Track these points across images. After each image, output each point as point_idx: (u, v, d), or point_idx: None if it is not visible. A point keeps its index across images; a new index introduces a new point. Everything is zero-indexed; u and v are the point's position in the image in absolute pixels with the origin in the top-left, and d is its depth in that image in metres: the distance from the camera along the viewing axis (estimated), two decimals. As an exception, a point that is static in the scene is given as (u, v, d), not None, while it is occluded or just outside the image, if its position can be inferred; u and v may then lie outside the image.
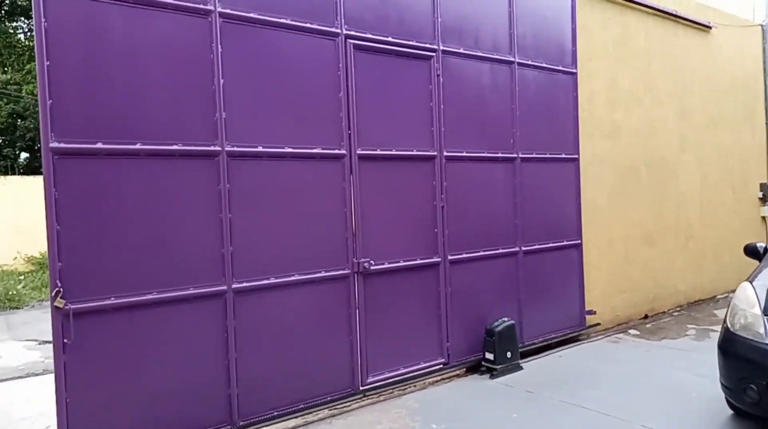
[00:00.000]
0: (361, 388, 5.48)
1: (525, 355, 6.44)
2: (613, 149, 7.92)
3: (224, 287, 4.72)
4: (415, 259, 5.86)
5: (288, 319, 5.08)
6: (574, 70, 7.17)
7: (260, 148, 4.92)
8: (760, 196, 10.07)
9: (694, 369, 5.93)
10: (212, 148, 4.68)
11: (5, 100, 22.21)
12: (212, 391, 4.68)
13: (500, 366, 5.97)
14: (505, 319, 6.15)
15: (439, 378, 5.92)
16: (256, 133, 4.91)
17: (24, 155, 24.05)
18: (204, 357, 4.64)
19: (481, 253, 6.34)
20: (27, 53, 20.56)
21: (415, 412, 5.18)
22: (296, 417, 5.05)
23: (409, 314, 5.87)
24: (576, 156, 7.18)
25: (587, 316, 7.33)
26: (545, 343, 6.84)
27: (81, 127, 4.20)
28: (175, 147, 4.53)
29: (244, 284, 4.82)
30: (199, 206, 4.64)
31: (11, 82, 20.57)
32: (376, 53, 5.56)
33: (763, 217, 10.20)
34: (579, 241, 7.24)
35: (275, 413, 4.95)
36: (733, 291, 9.93)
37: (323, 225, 5.26)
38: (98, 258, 4.25)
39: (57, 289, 4.09)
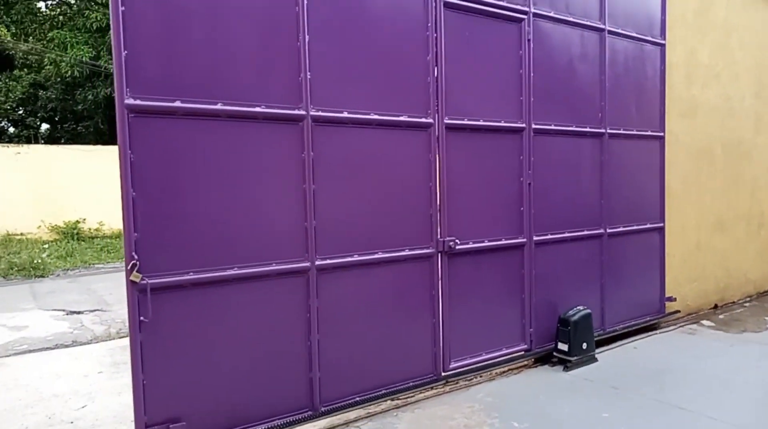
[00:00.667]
0: (443, 374, 5.08)
1: (598, 344, 6.00)
2: (689, 128, 7.41)
3: (307, 264, 4.30)
4: (500, 239, 5.42)
5: (370, 299, 4.68)
6: (663, 41, 6.66)
7: (345, 114, 4.47)
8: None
9: None
10: (297, 111, 4.23)
11: (26, 69, 21.81)
12: (294, 375, 4.30)
13: (575, 358, 5.54)
14: (581, 307, 5.68)
15: (507, 369, 5.50)
16: (341, 96, 4.45)
17: (45, 126, 23.71)
18: (285, 337, 4.25)
19: (567, 235, 5.90)
20: (48, 22, 20.07)
21: (490, 407, 4.75)
22: (376, 403, 4.67)
23: (493, 297, 5.45)
24: (662, 134, 6.70)
25: (666, 303, 6.89)
26: (624, 331, 6.42)
27: (158, 83, 3.77)
28: (258, 109, 4.08)
29: (327, 261, 4.40)
30: (282, 175, 4.21)
31: (32, 52, 20.12)
32: (465, 12, 5.07)
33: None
34: (662, 225, 6.78)
35: (357, 398, 4.57)
36: None
37: (408, 199, 4.81)
38: (176, 229, 3.84)
39: (133, 261, 3.68)
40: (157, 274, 3.75)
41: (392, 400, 4.80)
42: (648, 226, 6.64)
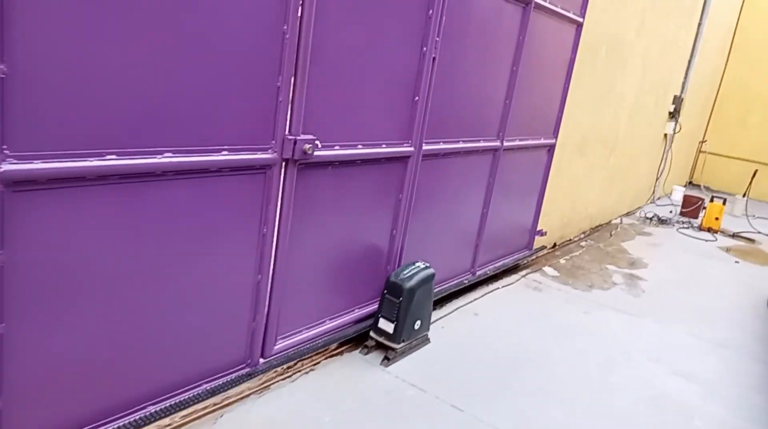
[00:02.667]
0: (261, 363, 2.98)
1: (441, 301, 4.41)
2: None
3: None
4: (380, 145, 3.26)
5: (143, 242, 2.26)
6: None
7: None
8: (671, 109, 8.98)
9: (671, 361, 4.13)
10: None
11: None
12: None
13: (402, 345, 3.48)
14: (420, 264, 3.60)
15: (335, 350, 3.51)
16: None
17: None
18: None
19: (461, 145, 3.97)
20: None
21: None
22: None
23: (354, 233, 3.36)
24: (581, 20, 4.93)
25: (536, 238, 5.54)
26: (492, 274, 4.90)
27: None
28: None
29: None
30: None
31: None
32: None
33: (665, 135, 9.23)
34: (554, 142, 5.21)
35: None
36: (625, 215, 9.37)
37: (230, 60, 2.36)
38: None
39: None
40: None
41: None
42: (542, 141, 5.01)
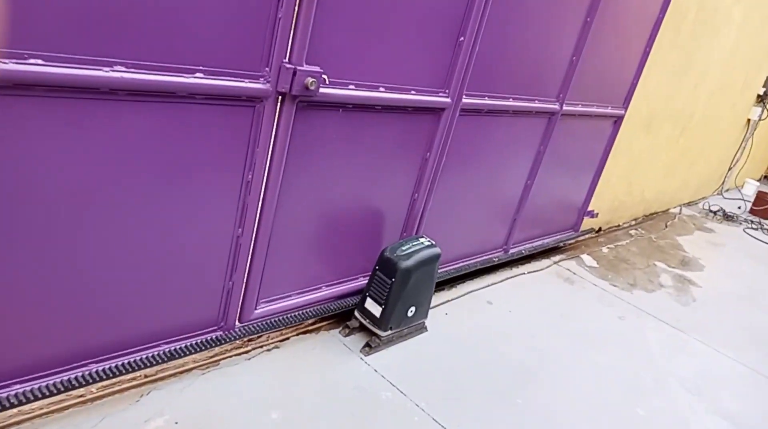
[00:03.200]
0: (237, 326, 2.54)
1: (459, 279, 3.83)
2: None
3: None
4: (409, 91, 2.68)
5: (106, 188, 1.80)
6: None
7: None
8: (761, 92, 7.95)
9: (715, 395, 3.36)
10: None
11: None
12: None
13: (388, 333, 2.92)
14: (424, 240, 2.99)
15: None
16: None
17: None
18: None
19: (510, 103, 3.34)
20: None
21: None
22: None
23: (363, 193, 2.84)
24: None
25: (584, 219, 4.92)
26: (528, 253, 4.33)
27: None
28: None
29: None
30: None
31: None
32: None
33: (748, 121, 8.25)
34: (623, 113, 4.51)
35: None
36: (686, 204, 8.37)
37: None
38: None
39: None
40: None
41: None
42: (609, 110, 4.32)
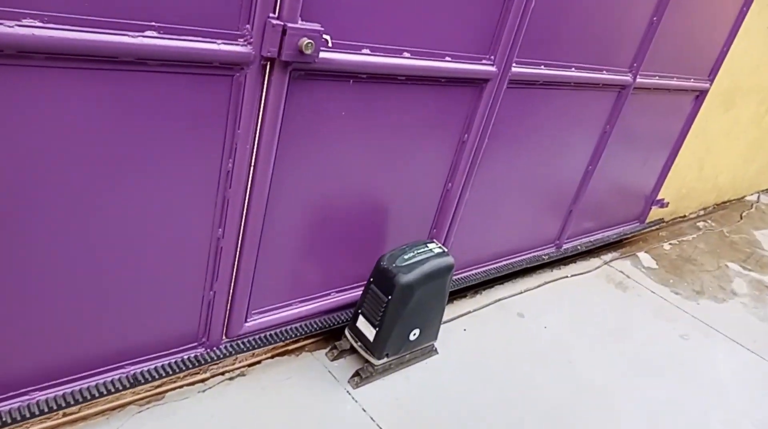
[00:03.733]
0: (224, 342, 2.10)
1: (511, 276, 3.27)
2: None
3: None
4: (443, 58, 2.12)
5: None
6: None
7: None
8: None
9: None
10: None
11: None
12: None
13: (384, 361, 2.34)
14: (435, 246, 2.37)
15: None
16: None
17: None
18: None
19: (573, 73, 2.73)
20: None
21: None
22: None
23: (381, 182, 2.33)
24: None
25: (653, 209, 4.26)
26: (586, 249, 3.75)
27: None
28: None
29: None
30: None
31: None
32: None
33: None
34: (708, 86, 3.80)
35: None
36: (765, 191, 7.34)
37: None
38: None
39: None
40: None
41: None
42: (691, 83, 3.63)
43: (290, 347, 2.38)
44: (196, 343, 2.06)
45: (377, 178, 2.25)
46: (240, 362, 2.22)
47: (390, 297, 2.21)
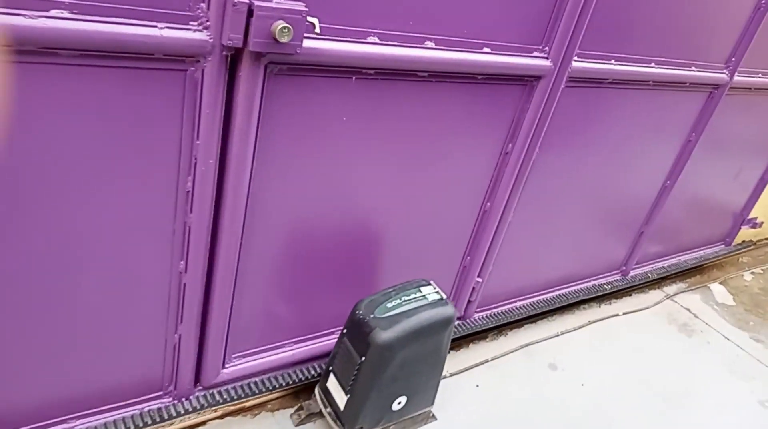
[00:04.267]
0: (197, 394, 1.74)
1: (569, 307, 2.73)
2: None
3: None
4: (480, 48, 1.66)
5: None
6: None
7: None
8: None
9: None
10: None
11: None
12: None
13: None
14: (430, 289, 1.82)
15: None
16: None
17: None
18: None
19: (653, 69, 2.19)
20: None
21: None
22: None
23: (394, 204, 1.90)
24: None
25: (742, 229, 3.63)
26: (654, 279, 3.17)
27: None
28: None
29: None
30: None
31: None
32: None
33: None
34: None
35: None
36: None
37: None
38: None
39: None
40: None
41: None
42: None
43: (248, 404, 1.89)
44: (160, 392, 1.70)
45: (391, 199, 1.82)
46: (182, 422, 1.77)
47: (363, 358, 1.70)
